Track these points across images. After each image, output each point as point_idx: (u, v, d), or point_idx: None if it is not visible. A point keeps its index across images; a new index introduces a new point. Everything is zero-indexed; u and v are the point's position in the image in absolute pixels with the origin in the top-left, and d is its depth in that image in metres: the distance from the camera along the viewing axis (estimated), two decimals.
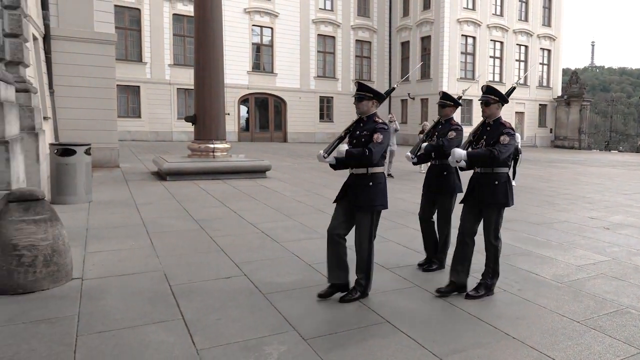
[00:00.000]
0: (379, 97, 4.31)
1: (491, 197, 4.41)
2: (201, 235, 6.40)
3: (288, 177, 13.31)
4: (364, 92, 4.27)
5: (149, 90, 29.60)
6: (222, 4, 14.04)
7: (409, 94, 33.89)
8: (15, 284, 4.12)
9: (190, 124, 13.70)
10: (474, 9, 35.21)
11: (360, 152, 4.09)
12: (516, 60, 37.70)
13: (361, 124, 4.30)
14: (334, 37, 36.33)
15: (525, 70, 37.63)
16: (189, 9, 28.73)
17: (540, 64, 39.41)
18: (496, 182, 4.40)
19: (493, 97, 4.46)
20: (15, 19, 7.02)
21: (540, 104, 39.39)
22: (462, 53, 34.79)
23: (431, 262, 5.30)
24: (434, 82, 34.14)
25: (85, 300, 4.08)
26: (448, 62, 33.90)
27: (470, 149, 4.50)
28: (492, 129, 4.44)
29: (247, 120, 33.91)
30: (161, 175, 12.29)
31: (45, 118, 11.18)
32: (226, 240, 6.12)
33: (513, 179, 13.36)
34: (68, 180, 8.35)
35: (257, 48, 33.54)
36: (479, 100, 4.54)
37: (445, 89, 33.24)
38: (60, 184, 8.36)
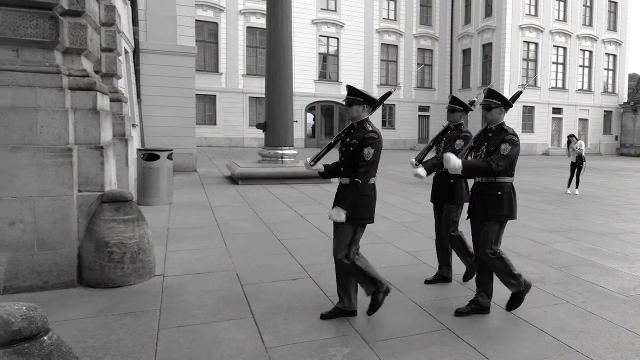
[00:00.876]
0: (370, 102, 3.88)
1: (493, 209, 3.99)
2: (270, 238, 6.51)
3: None
4: (353, 96, 3.85)
5: (223, 99, 30.45)
6: (292, 16, 14.24)
7: (469, 101, 33.06)
8: (106, 278, 4.36)
9: (261, 130, 13.99)
10: (536, 15, 33.84)
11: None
12: (580, 66, 35.90)
13: (352, 131, 3.86)
14: (396, 46, 36.01)
15: (589, 75, 35.79)
16: (261, 22, 29.37)
17: (605, 69, 37.34)
18: (499, 193, 3.99)
19: (495, 101, 4.05)
20: (111, 35, 7.43)
21: (605, 111, 37.29)
22: (523, 59, 33.48)
23: (442, 277, 4.91)
24: (495, 88, 32.87)
25: (166, 295, 4.25)
26: (509, 68, 32.74)
27: (470, 157, 4.16)
28: (494, 135, 4.03)
29: (314, 127, 34.17)
30: (234, 180, 12.60)
31: (133, 125, 11.73)
32: (293, 243, 6.20)
33: (576, 187, 12.73)
34: (152, 183, 8.73)
35: (324, 57, 33.76)
36: (480, 104, 4.16)
37: (507, 96, 32.21)
38: (145, 186, 8.75)
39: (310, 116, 33.82)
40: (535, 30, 33.78)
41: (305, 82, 32.01)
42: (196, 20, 19.73)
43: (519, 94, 4.48)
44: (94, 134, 4.84)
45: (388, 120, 36.03)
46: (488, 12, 34.25)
